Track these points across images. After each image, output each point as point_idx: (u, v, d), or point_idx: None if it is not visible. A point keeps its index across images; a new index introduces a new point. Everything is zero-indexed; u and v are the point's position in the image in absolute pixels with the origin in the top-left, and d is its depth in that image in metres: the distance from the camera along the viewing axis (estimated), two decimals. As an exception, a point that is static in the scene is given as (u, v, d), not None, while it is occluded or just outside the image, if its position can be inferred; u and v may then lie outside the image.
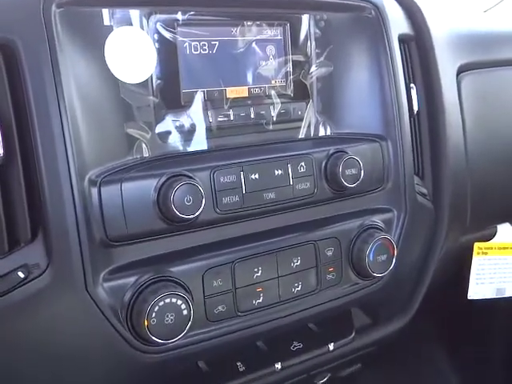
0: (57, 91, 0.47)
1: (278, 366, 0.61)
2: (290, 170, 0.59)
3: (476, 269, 0.87)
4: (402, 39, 0.70)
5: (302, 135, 0.65)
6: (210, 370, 0.59)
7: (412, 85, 0.71)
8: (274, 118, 0.62)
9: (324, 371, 0.72)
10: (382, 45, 0.66)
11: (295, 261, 0.60)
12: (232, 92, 0.60)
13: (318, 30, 0.65)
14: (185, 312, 0.51)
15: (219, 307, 0.55)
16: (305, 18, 0.64)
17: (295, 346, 0.64)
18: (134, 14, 0.53)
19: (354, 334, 0.67)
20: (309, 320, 0.65)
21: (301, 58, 0.64)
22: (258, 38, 0.61)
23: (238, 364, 0.60)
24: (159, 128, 0.55)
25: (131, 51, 0.53)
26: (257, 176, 0.57)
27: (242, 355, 0.61)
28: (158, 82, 0.55)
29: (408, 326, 0.77)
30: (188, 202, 0.51)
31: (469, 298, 0.86)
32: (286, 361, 0.62)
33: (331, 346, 0.64)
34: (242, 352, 0.61)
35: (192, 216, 0.51)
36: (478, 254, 0.87)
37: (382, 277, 0.65)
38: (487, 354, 1.14)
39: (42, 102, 0.47)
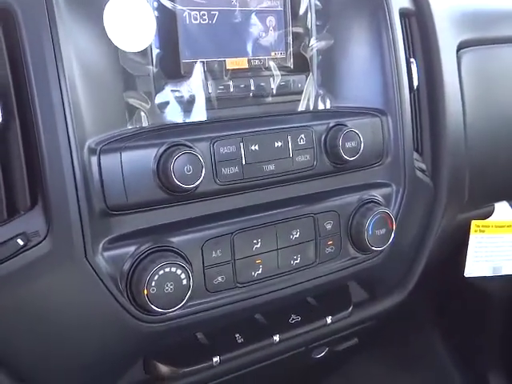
0: (56, 58, 0.46)
1: (276, 338, 0.61)
2: (289, 142, 0.58)
3: (473, 246, 0.88)
4: (403, 13, 0.70)
5: (301, 108, 0.64)
6: (209, 342, 0.59)
7: (412, 59, 0.70)
8: (274, 91, 0.62)
9: (321, 345, 0.73)
10: (382, 19, 0.66)
11: (294, 233, 0.60)
12: (232, 63, 0.59)
13: (318, 2, 0.65)
14: (184, 282, 0.51)
15: (218, 278, 0.55)
16: (305, -11, 0.63)
17: (293, 319, 0.64)
18: (134, -20, 0.52)
19: (351, 309, 0.67)
20: (307, 293, 0.65)
21: (301, 30, 0.63)
22: (258, 8, 0.60)
23: (237, 336, 0.60)
24: (159, 98, 0.55)
25: (130, 19, 0.52)
26: (257, 147, 0.56)
27: (240, 327, 0.61)
28: (158, 51, 0.55)
29: (405, 301, 0.77)
30: (188, 172, 0.50)
31: (465, 275, 0.87)
32: (284, 333, 0.62)
33: (329, 320, 0.65)
34: (240, 324, 0.61)
35: (192, 186, 0.51)
36: (476, 231, 0.88)
37: (380, 251, 0.65)
38: (480, 332, 1.15)
39: (40, 69, 0.46)
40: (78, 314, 0.50)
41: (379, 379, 1.22)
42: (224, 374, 0.65)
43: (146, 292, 0.49)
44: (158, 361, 0.57)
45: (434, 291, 1.02)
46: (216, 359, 0.57)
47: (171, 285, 0.50)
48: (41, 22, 0.47)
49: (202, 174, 0.51)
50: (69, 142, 0.47)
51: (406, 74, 0.68)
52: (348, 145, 0.60)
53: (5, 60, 0.46)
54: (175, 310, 0.51)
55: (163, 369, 0.57)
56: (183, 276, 0.50)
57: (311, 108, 0.65)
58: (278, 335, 0.61)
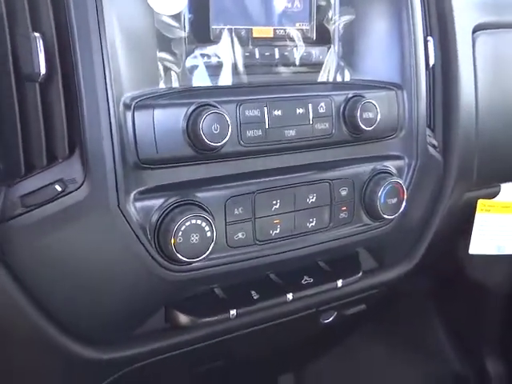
0: (98, 17, 0.49)
1: (290, 296, 0.64)
2: (310, 110, 0.61)
3: (478, 225, 0.91)
4: None
5: (321, 79, 0.67)
6: (226, 296, 0.62)
7: (429, 38, 0.73)
8: (297, 60, 0.65)
9: (330, 309, 0.76)
10: None
11: (311, 197, 0.63)
12: (258, 32, 0.62)
13: (342, -22, 0.67)
14: (208, 234, 0.54)
15: (239, 234, 0.58)
16: (331, -37, 0.66)
17: (306, 280, 0.67)
18: None
19: (361, 274, 0.70)
20: (319, 256, 0.68)
21: (325, 3, 0.66)
22: (286, -20, 0.63)
23: (252, 292, 0.64)
24: (188, 61, 0.58)
25: (166, -17, 0.55)
26: (279, 113, 0.59)
27: (256, 285, 0.64)
28: (190, 16, 0.57)
29: (411, 272, 0.80)
30: (215, 131, 0.53)
31: (470, 252, 0.90)
32: (296, 292, 0.65)
33: (339, 283, 0.68)
34: (256, 282, 0.65)
35: (218, 144, 0.54)
36: (481, 210, 0.91)
37: (391, 219, 0.68)
38: (480, 319, 1.18)
39: (83, 24, 0.49)
40: (108, 261, 0.53)
41: (379, 361, 1.25)
42: (237, 329, 0.68)
43: (173, 241, 0.52)
44: (179, 310, 0.60)
45: (437, 276, 1.05)
46: (233, 312, 0.60)
47: (196, 236, 0.53)
48: None
49: (229, 134, 0.54)
50: (107, 97, 0.50)
51: (423, 51, 0.70)
52: (365, 115, 0.63)
53: (49, 14, 0.49)
54: (199, 261, 0.54)
55: (183, 318, 0.60)
56: (207, 229, 0.54)
57: (331, 79, 0.67)
58: (291, 294, 0.64)
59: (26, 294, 0.52)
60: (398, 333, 1.26)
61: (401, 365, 1.27)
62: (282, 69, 0.64)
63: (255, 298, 0.64)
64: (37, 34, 0.49)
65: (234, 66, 0.60)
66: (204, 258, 0.54)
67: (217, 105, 0.55)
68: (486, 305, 1.16)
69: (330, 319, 0.80)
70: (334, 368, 1.29)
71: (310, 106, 0.61)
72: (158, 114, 0.53)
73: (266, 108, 0.58)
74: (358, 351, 1.27)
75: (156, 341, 0.62)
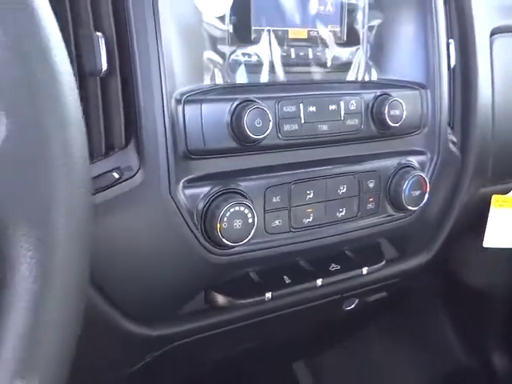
0: (154, 15, 0.54)
1: (319, 282, 0.69)
2: (342, 107, 0.65)
3: (493, 219, 0.95)
4: None
5: (350, 78, 0.71)
6: (261, 280, 0.67)
7: (451, 40, 0.77)
8: (328, 60, 0.69)
9: (354, 295, 0.80)
10: (428, 2, 0.73)
11: (341, 188, 0.67)
12: (293, 33, 0.66)
13: (372, -17, 0.71)
14: (250, 220, 0.58)
15: (276, 221, 0.63)
16: (361, -31, 0.70)
17: (333, 267, 0.71)
18: (218, -47, 0.59)
19: (384, 262, 0.74)
20: (346, 245, 0.72)
21: (355, 7, 0.70)
22: (320, -15, 0.67)
23: (285, 277, 0.68)
24: (231, 59, 0.62)
25: (213, -13, 0.59)
26: (314, 109, 0.64)
27: (287, 270, 0.69)
28: (233, 17, 0.62)
29: (429, 263, 0.85)
30: (258, 124, 0.58)
31: (484, 245, 0.94)
32: (325, 278, 0.69)
33: (365, 270, 0.72)
34: (287, 268, 0.69)
35: (260, 137, 0.58)
36: (496, 205, 0.95)
37: (414, 211, 0.73)
38: (486, 315, 1.22)
39: (141, 25, 0.53)
40: (159, 245, 0.58)
41: (388, 355, 1.30)
42: (267, 312, 0.72)
43: (219, 226, 0.56)
44: (218, 292, 0.65)
45: (446, 272, 1.09)
46: (268, 295, 0.65)
47: (239, 222, 0.57)
48: None
49: (270, 127, 0.58)
50: (161, 92, 0.54)
51: (445, 53, 0.75)
52: (392, 112, 0.67)
53: (111, 18, 0.54)
54: (241, 245, 0.58)
55: (221, 299, 0.65)
56: (249, 215, 0.58)
57: (359, 78, 0.72)
58: (320, 279, 0.69)
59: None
60: (406, 328, 1.30)
61: (409, 359, 1.31)
62: (314, 68, 0.68)
63: (287, 282, 0.68)
64: (99, 34, 0.53)
65: (272, 65, 0.65)
66: (245, 242, 0.58)
67: (258, 101, 0.59)
68: (492, 300, 1.20)
69: (352, 306, 0.84)
70: (344, 359, 1.33)
71: (341, 103, 0.65)
72: (206, 108, 0.57)
73: (301, 104, 0.63)
74: (368, 345, 1.31)
75: (196, 320, 0.66)
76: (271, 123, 0.58)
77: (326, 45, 0.69)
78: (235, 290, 0.66)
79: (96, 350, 0.57)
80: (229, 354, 0.94)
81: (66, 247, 0.28)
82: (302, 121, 0.63)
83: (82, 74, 0.53)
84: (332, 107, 0.65)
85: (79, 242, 0.28)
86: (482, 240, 0.94)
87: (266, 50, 0.64)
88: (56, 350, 0.28)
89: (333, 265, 0.72)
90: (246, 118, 0.57)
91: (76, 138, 0.29)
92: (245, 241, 0.58)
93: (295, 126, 0.62)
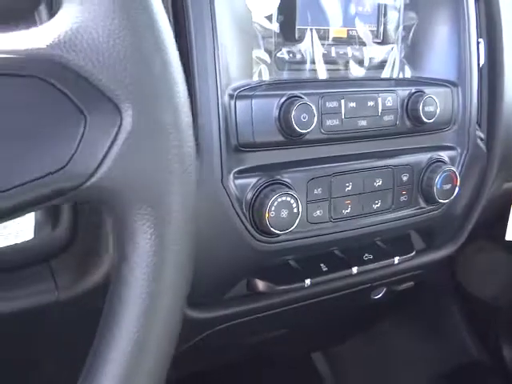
0: (211, 14, 0.57)
1: (354, 270, 0.72)
2: (379, 103, 0.69)
3: (515, 213, 0.98)
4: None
5: (385, 75, 0.74)
6: (300, 267, 0.70)
7: (480, 40, 0.80)
8: (365, 58, 0.72)
9: (383, 284, 0.84)
10: (460, 2, 0.76)
11: (377, 181, 0.70)
12: (334, 32, 0.69)
13: (408, -15, 0.74)
14: (295, 210, 0.61)
15: (317, 212, 0.66)
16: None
17: (366, 257, 0.74)
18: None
19: (414, 253, 0.78)
20: (378, 235, 0.76)
21: (392, 7, 0.73)
22: (360, -14, 0.70)
23: (322, 265, 0.71)
24: (277, 57, 0.65)
25: (263, -12, 0.62)
26: (354, 105, 0.67)
27: (324, 259, 0.72)
28: (279, 17, 0.65)
29: (454, 254, 0.88)
30: (304, 119, 0.61)
31: (506, 238, 0.97)
32: (359, 267, 0.72)
33: (396, 260, 0.75)
34: (324, 256, 0.72)
35: (306, 131, 0.61)
36: (517, 200, 0.98)
37: (444, 203, 0.76)
38: (496, 306, 1.25)
39: (199, 21, 0.56)
40: (210, 231, 0.61)
41: (402, 346, 1.33)
42: (302, 299, 0.76)
43: (267, 215, 0.60)
44: (259, 279, 0.68)
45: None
46: (308, 281, 0.68)
47: (285, 211, 0.61)
48: None
49: (314, 122, 0.61)
50: (216, 88, 0.58)
51: (476, 52, 0.77)
52: (427, 109, 0.71)
53: (169, 14, 0.57)
54: (286, 233, 0.62)
55: (263, 285, 0.68)
56: (294, 205, 0.61)
57: (394, 76, 0.75)
58: (355, 267, 0.72)
59: None
60: (420, 321, 1.33)
61: (422, 351, 1.34)
62: (353, 65, 0.71)
63: (324, 270, 0.71)
64: None
65: (314, 62, 0.68)
66: (290, 231, 0.62)
67: (303, 96, 0.62)
68: (502, 291, 1.23)
69: (380, 295, 0.88)
70: (359, 349, 1.37)
71: (379, 99, 0.68)
72: (256, 103, 0.60)
73: (343, 100, 0.66)
74: (383, 336, 1.35)
75: (238, 305, 0.70)
76: (315, 118, 0.61)
77: (363, 43, 0.72)
78: (275, 276, 0.69)
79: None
80: (255, 341, 0.97)
81: (180, 224, 0.31)
82: (343, 116, 0.66)
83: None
84: (370, 103, 0.68)
85: (190, 218, 0.32)
86: (504, 233, 0.98)
87: (308, 48, 0.67)
88: (171, 313, 0.31)
89: (366, 254, 0.75)
90: (293, 113, 0.60)
91: (187, 126, 0.32)
92: (290, 229, 0.61)
93: (336, 121, 0.66)
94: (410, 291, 0.95)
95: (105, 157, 0.28)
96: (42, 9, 0.53)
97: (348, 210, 0.68)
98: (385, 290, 0.87)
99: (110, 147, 0.28)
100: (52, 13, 0.53)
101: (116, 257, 0.31)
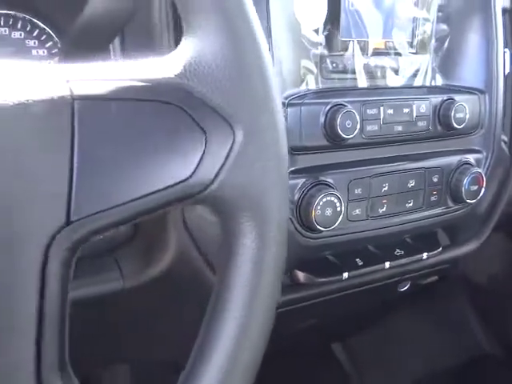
0: (268, 24, 0.62)
1: (387, 264, 0.78)
2: (414, 110, 0.74)
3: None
4: (503, 10, 0.84)
5: (417, 83, 0.80)
6: (337, 261, 0.76)
7: (506, 49, 0.85)
8: (401, 68, 0.77)
9: (410, 278, 0.89)
10: (489, 16, 0.81)
11: (411, 182, 0.75)
12: (373, 43, 0.75)
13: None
14: (338, 208, 0.67)
15: (356, 210, 0.71)
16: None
17: (398, 252, 0.80)
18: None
19: (441, 249, 0.83)
20: (409, 232, 0.81)
21: (426, 19, 0.78)
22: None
23: (357, 260, 0.77)
24: (322, 67, 0.71)
25: (311, 4, 0.67)
26: (391, 111, 0.72)
27: (359, 254, 0.77)
28: (325, 29, 0.70)
29: (476, 250, 0.93)
30: (348, 125, 0.66)
31: None
32: (392, 261, 0.78)
33: (424, 255, 0.81)
34: (359, 251, 0.78)
35: (349, 136, 0.66)
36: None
37: (470, 203, 0.81)
38: (506, 297, 1.30)
39: None
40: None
41: (416, 338, 1.38)
42: (336, 291, 0.81)
43: (313, 213, 0.65)
44: (301, 270, 0.74)
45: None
46: (345, 274, 0.74)
47: (330, 210, 0.66)
48: None
49: (357, 128, 0.67)
50: None
51: (502, 61, 0.83)
52: (458, 115, 0.76)
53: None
54: (329, 230, 0.67)
55: (304, 277, 0.74)
56: (338, 204, 0.67)
57: (426, 84, 0.80)
58: (387, 263, 0.78)
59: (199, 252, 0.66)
60: (432, 312, 1.38)
61: (433, 342, 1.39)
62: (389, 74, 0.76)
63: (360, 264, 0.77)
64: None
65: (355, 72, 0.73)
66: (333, 228, 0.67)
67: (347, 104, 0.68)
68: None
69: (405, 288, 0.93)
70: (375, 340, 1.42)
71: (413, 106, 0.74)
72: (304, 110, 0.66)
73: (382, 107, 0.71)
74: (397, 327, 1.40)
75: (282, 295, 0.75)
76: (358, 124, 0.67)
77: (399, 54, 0.77)
78: (315, 269, 0.74)
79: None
80: (285, 332, 1.03)
81: (278, 223, 0.36)
82: (382, 122, 0.71)
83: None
84: (406, 110, 0.74)
85: (285, 218, 0.38)
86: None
87: (350, 58, 0.72)
88: (270, 302, 0.37)
89: (397, 250, 0.81)
90: (338, 120, 0.66)
91: (284, 140, 0.38)
92: (333, 226, 0.67)
93: (375, 127, 0.71)
94: (432, 285, 1.01)
95: (221, 169, 0.34)
96: (116, 42, 0.59)
97: (384, 209, 0.74)
98: (410, 283, 0.93)
99: (225, 160, 0.34)
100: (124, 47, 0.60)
101: (222, 254, 0.36)
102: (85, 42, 0.58)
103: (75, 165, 0.31)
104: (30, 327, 0.30)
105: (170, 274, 0.67)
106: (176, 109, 0.33)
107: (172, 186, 0.33)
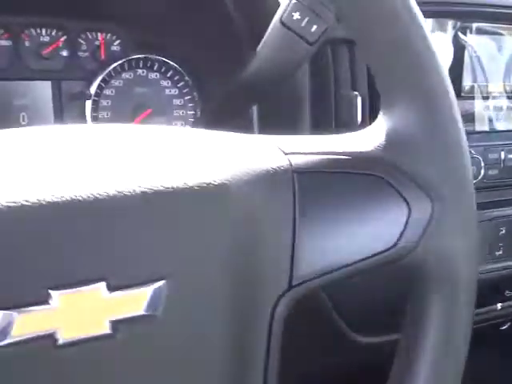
0: None
1: (499, 306, 0.78)
2: None
3: None
4: None
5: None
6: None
7: None
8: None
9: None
10: None
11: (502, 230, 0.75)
12: (493, 87, 0.75)
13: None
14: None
15: None
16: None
17: (508, 293, 0.80)
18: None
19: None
20: None
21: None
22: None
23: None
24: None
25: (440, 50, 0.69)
26: (511, 156, 0.73)
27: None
28: (450, 76, 0.71)
29: None
30: (473, 171, 0.67)
31: None
32: (503, 302, 0.78)
33: (532, 296, 0.81)
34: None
35: (476, 180, 0.67)
36: None
37: None
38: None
39: None
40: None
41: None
42: None
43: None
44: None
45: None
46: None
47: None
48: None
49: (482, 173, 0.68)
50: None
51: None
52: None
53: (365, 80, 0.64)
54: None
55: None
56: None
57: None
58: (500, 304, 0.78)
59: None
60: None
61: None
62: (508, 116, 0.77)
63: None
64: (356, 93, 0.64)
65: (475, 115, 0.74)
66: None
67: (471, 149, 0.69)
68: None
69: (505, 326, 0.93)
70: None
71: None
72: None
73: (502, 152, 0.72)
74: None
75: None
76: (482, 170, 0.68)
77: (509, 97, 0.78)
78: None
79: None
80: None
81: (467, 297, 0.38)
82: (502, 165, 0.72)
83: (338, 125, 0.64)
84: (522, 153, 0.74)
85: (474, 291, 0.39)
86: None
87: (473, 102, 0.74)
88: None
89: (507, 291, 0.81)
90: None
91: (474, 209, 0.39)
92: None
93: (496, 171, 0.72)
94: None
95: (420, 238, 0.36)
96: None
97: (500, 252, 0.74)
98: (510, 323, 0.92)
99: (425, 229, 0.36)
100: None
101: (410, 324, 0.38)
102: (229, 106, 0.61)
103: (296, 234, 0.33)
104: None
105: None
106: (381, 181, 0.35)
107: (377, 254, 0.35)
